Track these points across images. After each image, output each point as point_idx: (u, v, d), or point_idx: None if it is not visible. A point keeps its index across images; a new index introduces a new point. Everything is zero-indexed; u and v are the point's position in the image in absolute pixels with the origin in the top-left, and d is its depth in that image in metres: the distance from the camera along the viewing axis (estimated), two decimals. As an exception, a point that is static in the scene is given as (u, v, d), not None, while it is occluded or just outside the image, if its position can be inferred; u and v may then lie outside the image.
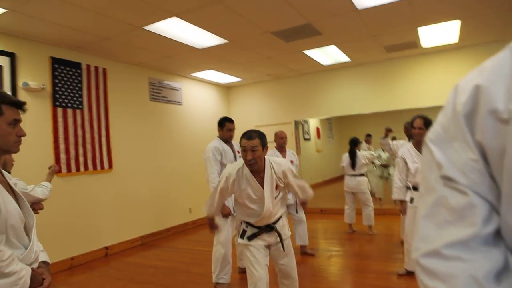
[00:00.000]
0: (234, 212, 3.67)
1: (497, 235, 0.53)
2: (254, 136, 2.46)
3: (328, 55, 6.38)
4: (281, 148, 4.70)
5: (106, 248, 5.25)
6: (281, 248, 2.62)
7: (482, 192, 0.53)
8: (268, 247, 2.61)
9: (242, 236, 2.57)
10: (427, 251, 0.56)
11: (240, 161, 2.61)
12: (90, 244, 5.04)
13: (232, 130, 4.08)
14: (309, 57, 6.40)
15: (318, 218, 7.08)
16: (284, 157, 4.66)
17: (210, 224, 2.91)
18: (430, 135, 0.61)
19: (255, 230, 2.56)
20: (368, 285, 3.53)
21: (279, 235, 2.60)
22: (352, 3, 4.20)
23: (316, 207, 7.66)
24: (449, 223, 0.55)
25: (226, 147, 3.97)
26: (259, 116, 8.25)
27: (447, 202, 0.55)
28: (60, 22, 4.14)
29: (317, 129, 8.65)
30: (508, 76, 0.50)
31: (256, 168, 2.49)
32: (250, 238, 2.54)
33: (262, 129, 7.89)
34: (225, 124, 4.00)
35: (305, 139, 8.33)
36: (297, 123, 7.99)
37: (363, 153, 5.59)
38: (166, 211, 6.40)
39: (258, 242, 2.54)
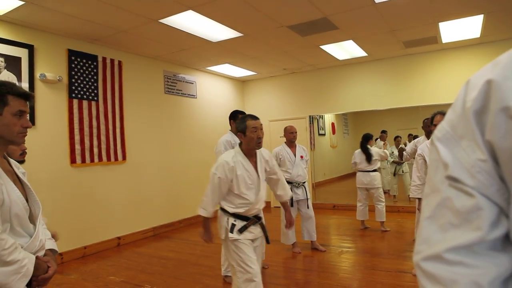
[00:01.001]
0: None
1: (506, 240, 0.50)
2: (258, 117, 2.69)
3: (344, 49, 6.28)
4: (291, 143, 4.67)
5: (119, 238, 5.34)
6: (263, 242, 2.68)
7: (490, 195, 0.50)
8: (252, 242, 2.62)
9: (232, 231, 2.53)
10: (429, 255, 0.53)
11: (232, 150, 2.72)
12: (103, 234, 5.13)
13: None
14: (326, 51, 6.32)
15: (330, 214, 7.03)
16: (293, 152, 4.63)
17: (205, 230, 2.67)
18: (437, 133, 0.57)
19: (244, 223, 2.57)
20: (378, 283, 3.49)
21: (264, 227, 2.69)
22: (368, -4, 4.12)
23: (329, 202, 7.61)
24: (453, 226, 0.52)
25: (238, 140, 3.95)
26: (274, 110, 8.22)
27: (452, 204, 0.52)
28: (77, 15, 4.18)
29: (332, 124, 8.56)
30: None
31: (256, 149, 2.65)
32: (241, 230, 2.54)
33: (277, 124, 7.87)
34: (238, 117, 3.97)
35: (319, 134, 8.25)
36: (312, 118, 7.92)
37: (375, 150, 5.52)
38: (178, 203, 6.45)
39: (247, 236, 2.55)
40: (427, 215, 0.56)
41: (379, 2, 4.28)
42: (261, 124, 2.66)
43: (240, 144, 2.69)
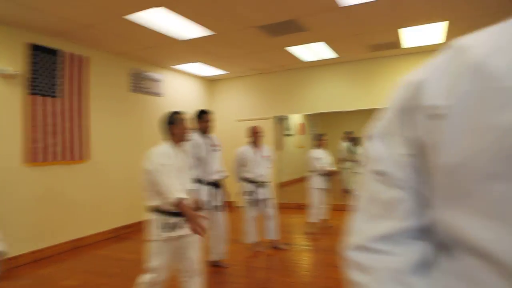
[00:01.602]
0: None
1: (427, 229, 0.54)
2: (184, 113, 2.94)
3: (313, 51, 6.37)
4: (256, 143, 4.68)
5: (77, 240, 5.14)
6: (192, 239, 2.62)
7: (413, 187, 0.54)
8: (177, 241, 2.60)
9: (163, 229, 2.51)
10: (356, 245, 0.58)
11: (161, 144, 2.81)
12: (60, 236, 4.92)
13: (209, 121, 4.03)
14: (294, 53, 6.38)
15: (295, 213, 7.11)
16: (258, 152, 4.64)
17: (193, 214, 2.39)
18: (370, 130, 0.61)
19: (176, 218, 2.53)
20: (336, 279, 3.55)
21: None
22: (334, 0, 4.19)
23: (294, 202, 7.69)
24: (378, 217, 0.56)
25: (202, 140, 3.93)
26: (242, 110, 8.22)
27: (378, 197, 0.57)
28: (38, 7, 3.98)
29: (301, 124, 8.66)
30: (447, 72, 0.50)
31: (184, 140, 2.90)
32: (174, 227, 2.53)
33: (244, 124, 7.75)
34: (203, 116, 3.99)
35: (287, 134, 8.33)
36: (279, 119, 7.99)
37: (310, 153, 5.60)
38: (141, 204, 6.30)
39: (178, 232, 2.54)
40: (357, 208, 0.60)
41: (343, 7, 4.37)
42: (188, 119, 2.95)
43: (167, 138, 2.81)
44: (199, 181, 3.75)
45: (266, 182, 4.65)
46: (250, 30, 5.06)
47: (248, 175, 4.61)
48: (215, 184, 3.92)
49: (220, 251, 4.01)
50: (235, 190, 4.64)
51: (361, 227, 0.58)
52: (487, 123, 0.44)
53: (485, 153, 0.44)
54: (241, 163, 4.64)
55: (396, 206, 0.55)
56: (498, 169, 0.43)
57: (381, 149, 0.57)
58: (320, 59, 6.95)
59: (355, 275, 0.57)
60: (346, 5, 4.31)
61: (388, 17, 4.76)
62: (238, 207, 4.79)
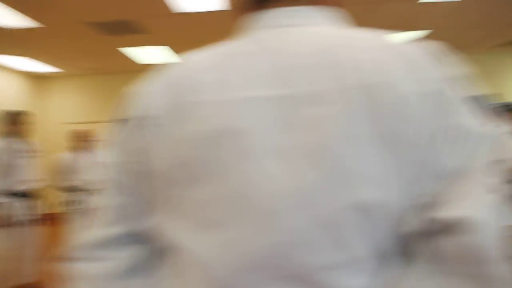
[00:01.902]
0: None
1: (149, 233, 0.55)
2: None
3: (152, 54, 6.31)
4: (83, 148, 4.34)
5: None
6: None
7: (138, 193, 0.55)
8: None
9: None
10: (75, 254, 0.57)
11: None
12: None
13: (25, 124, 3.62)
14: (132, 54, 6.20)
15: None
16: (85, 158, 4.32)
17: None
18: (103, 139, 0.64)
19: None
20: None
21: None
22: (167, 6, 4.21)
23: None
24: (96, 225, 0.57)
25: (7, 145, 3.44)
26: (77, 112, 7.53)
27: (98, 205, 0.58)
28: None
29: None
30: (166, 85, 0.54)
31: None
32: None
33: (77, 127, 7.11)
34: (15, 118, 3.56)
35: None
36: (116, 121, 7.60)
37: None
38: None
39: None
40: (85, 217, 0.61)
41: (179, 13, 4.43)
42: None
43: None
44: (3, 192, 3.26)
45: (96, 189, 4.33)
46: (80, 26, 4.70)
47: (74, 183, 4.22)
48: (25, 195, 3.46)
49: (29, 272, 3.53)
50: (56, 199, 4.20)
51: (83, 236, 0.58)
52: (175, 134, 0.50)
53: (172, 160, 0.50)
54: (65, 170, 4.24)
55: (116, 212, 0.56)
56: (178, 175, 0.49)
57: (112, 157, 0.59)
58: (161, 62, 6.90)
59: (74, 285, 0.56)
60: (180, 11, 4.39)
61: (223, 27, 5.03)
62: (58, 219, 4.33)
